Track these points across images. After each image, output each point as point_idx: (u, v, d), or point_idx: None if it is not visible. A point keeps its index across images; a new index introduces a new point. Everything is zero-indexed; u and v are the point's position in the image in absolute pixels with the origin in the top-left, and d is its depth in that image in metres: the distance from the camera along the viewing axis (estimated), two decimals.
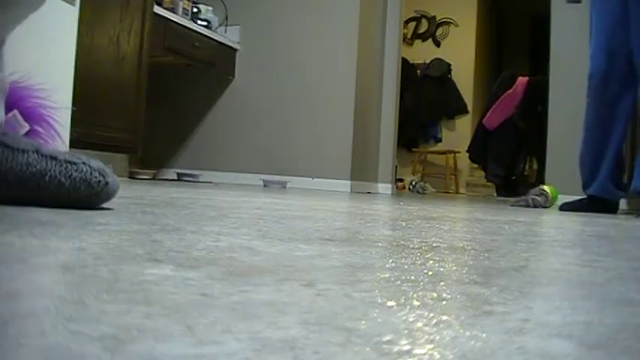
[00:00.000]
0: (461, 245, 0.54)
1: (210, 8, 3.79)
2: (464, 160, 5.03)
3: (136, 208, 0.80)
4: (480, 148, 4.25)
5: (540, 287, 0.35)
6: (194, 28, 3.54)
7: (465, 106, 5.38)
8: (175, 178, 3.45)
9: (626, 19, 1.96)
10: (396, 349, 0.19)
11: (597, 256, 0.49)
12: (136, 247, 0.40)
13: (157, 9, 3.17)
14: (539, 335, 0.22)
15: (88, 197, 0.70)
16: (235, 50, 3.86)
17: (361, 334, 0.20)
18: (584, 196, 2.14)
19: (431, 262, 0.41)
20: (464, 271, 0.38)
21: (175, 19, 3.37)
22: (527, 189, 2.43)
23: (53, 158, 0.72)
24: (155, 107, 3.55)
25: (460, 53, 5.39)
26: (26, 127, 1.12)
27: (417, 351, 0.19)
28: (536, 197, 2.18)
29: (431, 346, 0.20)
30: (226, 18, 3.87)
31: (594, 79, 2.06)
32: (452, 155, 5.11)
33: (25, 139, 0.72)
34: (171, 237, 0.47)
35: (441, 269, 0.38)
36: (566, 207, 2.12)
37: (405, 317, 0.24)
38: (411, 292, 0.29)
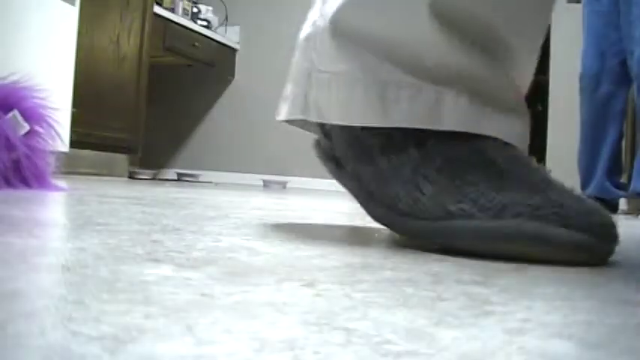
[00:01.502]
0: None
1: (210, 8, 3.79)
2: None
3: (136, 208, 0.80)
4: None
5: (540, 287, 0.35)
6: (194, 28, 3.53)
7: None
8: (175, 178, 3.45)
9: (618, 20, 1.96)
10: (396, 349, 0.19)
11: None
12: (136, 247, 0.40)
13: (157, 9, 3.17)
14: (539, 335, 0.22)
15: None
16: (235, 50, 3.85)
17: (361, 334, 0.20)
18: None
19: (431, 262, 0.41)
20: (464, 271, 0.38)
21: (175, 19, 3.37)
22: None
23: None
24: (155, 107, 3.54)
25: None
26: (26, 127, 1.13)
27: (416, 351, 0.19)
28: None
29: (431, 346, 0.20)
30: (226, 18, 3.86)
31: (585, 80, 2.07)
32: None
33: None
34: (171, 237, 0.47)
35: (441, 269, 0.38)
36: None
37: (405, 317, 0.24)
38: (411, 292, 0.29)
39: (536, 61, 0.56)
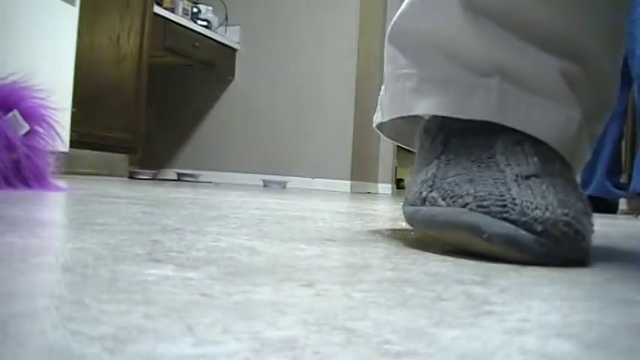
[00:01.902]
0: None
1: (210, 8, 3.79)
2: None
3: (136, 208, 0.80)
4: None
5: (540, 287, 0.35)
6: (194, 28, 3.53)
7: None
8: (175, 178, 3.45)
9: None
10: (396, 349, 0.19)
11: (597, 256, 0.49)
12: (136, 247, 0.40)
13: (157, 9, 3.17)
14: (539, 335, 0.22)
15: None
16: (235, 50, 3.85)
17: (361, 334, 0.20)
18: None
19: (431, 262, 0.41)
20: (464, 271, 0.38)
21: (175, 19, 3.37)
22: None
23: None
24: (155, 107, 3.54)
25: None
26: (26, 127, 1.13)
27: (416, 351, 0.19)
28: None
29: (431, 346, 0.20)
30: (226, 18, 3.86)
31: None
32: None
33: None
34: (171, 237, 0.47)
35: (441, 269, 0.38)
36: None
37: (405, 317, 0.24)
38: (411, 292, 0.29)
39: (612, 56, 0.54)
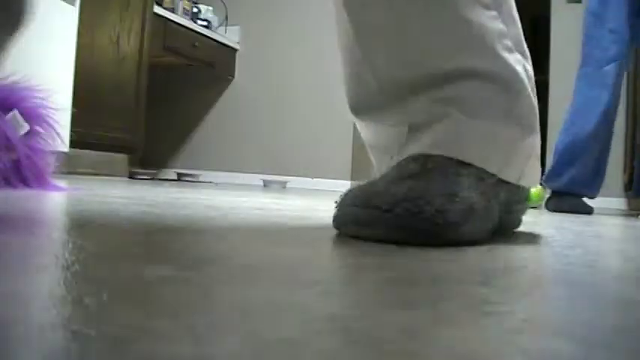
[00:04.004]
0: (461, 246, 0.53)
1: (210, 8, 3.78)
2: None
3: (136, 208, 0.80)
4: None
5: (540, 287, 0.35)
6: (194, 28, 3.53)
7: None
8: (175, 178, 3.45)
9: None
10: (396, 349, 0.19)
11: (597, 256, 0.49)
12: (136, 247, 0.40)
13: (157, 9, 3.17)
14: (539, 335, 0.22)
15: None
16: (235, 50, 3.85)
17: (361, 334, 0.20)
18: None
19: (431, 262, 0.41)
20: (464, 271, 0.38)
21: (175, 19, 3.37)
22: None
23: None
24: (155, 107, 3.54)
25: None
26: (26, 127, 1.13)
27: (416, 351, 0.19)
28: None
29: (431, 346, 0.20)
30: (226, 18, 3.86)
31: (588, 68, 2.04)
32: None
33: None
34: (171, 237, 0.47)
35: (441, 269, 0.38)
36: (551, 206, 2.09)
37: (405, 317, 0.24)
38: (411, 292, 0.29)
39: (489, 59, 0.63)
